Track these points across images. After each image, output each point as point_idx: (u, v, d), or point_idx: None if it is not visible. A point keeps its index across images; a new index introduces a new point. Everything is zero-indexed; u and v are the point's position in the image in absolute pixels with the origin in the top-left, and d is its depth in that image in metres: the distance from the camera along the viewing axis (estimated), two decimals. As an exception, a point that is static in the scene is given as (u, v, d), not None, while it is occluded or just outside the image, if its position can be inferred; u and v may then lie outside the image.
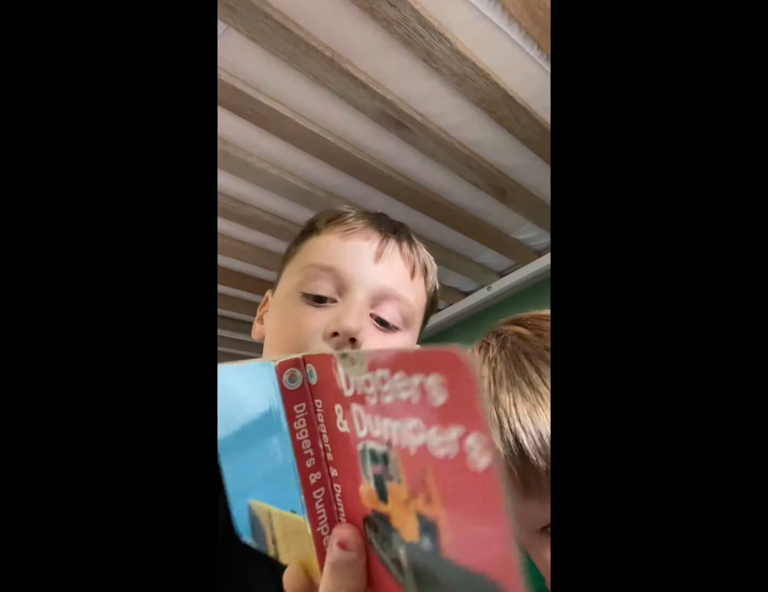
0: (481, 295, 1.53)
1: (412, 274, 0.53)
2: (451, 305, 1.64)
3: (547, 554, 0.37)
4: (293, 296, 0.50)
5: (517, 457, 0.35)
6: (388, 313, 0.50)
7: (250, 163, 0.98)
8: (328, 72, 0.79)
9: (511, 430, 0.36)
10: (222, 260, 1.31)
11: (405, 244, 0.54)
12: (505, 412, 0.36)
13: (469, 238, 1.29)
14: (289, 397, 0.24)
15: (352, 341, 0.46)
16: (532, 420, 0.35)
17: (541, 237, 1.32)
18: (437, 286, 0.59)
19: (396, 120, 0.89)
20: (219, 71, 0.79)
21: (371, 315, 0.49)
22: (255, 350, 1.89)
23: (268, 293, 0.62)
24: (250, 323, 1.68)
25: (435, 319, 1.70)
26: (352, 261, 0.50)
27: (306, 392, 0.24)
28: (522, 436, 0.35)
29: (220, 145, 0.93)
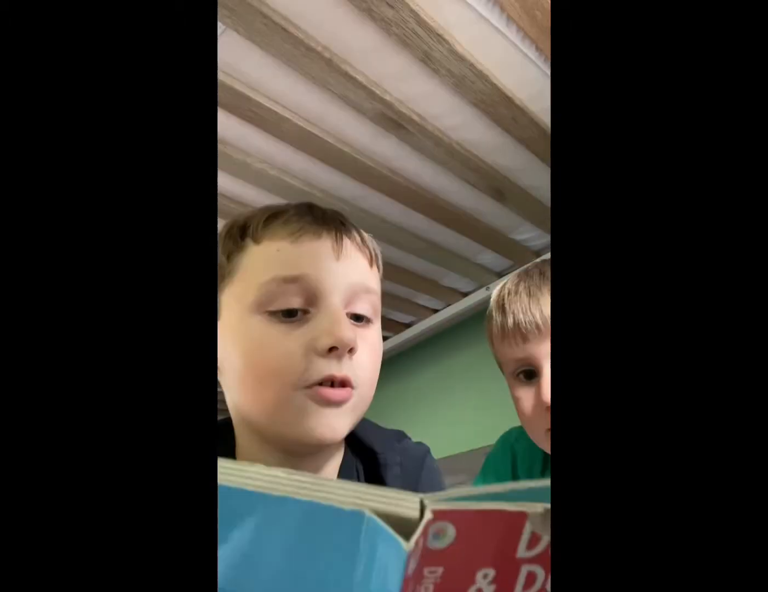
0: (479, 295, 1.54)
1: (371, 262, 0.51)
2: (449, 305, 1.65)
3: (521, 400, 0.57)
4: (256, 318, 0.45)
5: (498, 310, 0.60)
6: (361, 308, 0.48)
7: (249, 163, 0.98)
8: (327, 73, 0.79)
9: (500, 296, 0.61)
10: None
11: (354, 235, 0.50)
12: (510, 290, 0.60)
13: (468, 238, 1.29)
14: (426, 556, 0.20)
15: (350, 351, 0.44)
16: (522, 294, 0.57)
17: (540, 237, 1.33)
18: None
19: (394, 121, 0.89)
20: (218, 72, 0.79)
21: (347, 315, 0.46)
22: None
23: None
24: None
25: (435, 318, 1.70)
26: (315, 266, 0.46)
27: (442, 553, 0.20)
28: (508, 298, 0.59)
29: (218, 146, 0.93)
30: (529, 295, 0.56)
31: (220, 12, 0.67)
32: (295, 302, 0.45)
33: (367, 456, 0.53)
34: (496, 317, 0.60)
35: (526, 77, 0.83)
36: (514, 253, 1.38)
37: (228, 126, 0.90)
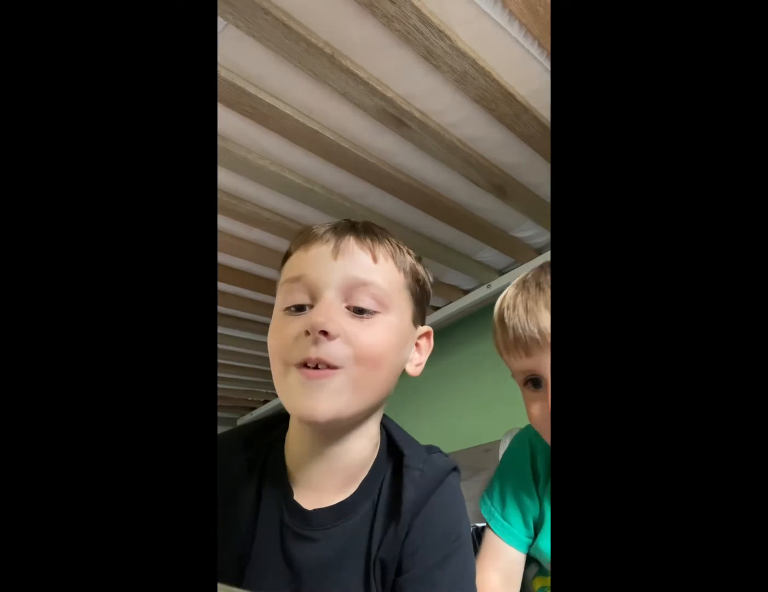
0: (480, 292, 1.54)
1: (374, 259, 0.55)
2: (450, 302, 1.65)
3: (531, 407, 0.59)
4: (279, 315, 0.55)
5: (500, 324, 0.61)
6: (361, 300, 0.53)
7: (250, 159, 0.97)
8: (328, 69, 0.78)
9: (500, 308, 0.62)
10: (221, 257, 1.31)
11: (362, 236, 0.56)
12: (509, 305, 0.61)
13: (469, 235, 1.29)
14: None
15: (325, 333, 0.49)
16: (520, 308, 0.59)
17: (541, 235, 1.32)
18: (414, 265, 0.61)
19: (396, 117, 0.89)
20: (219, 68, 0.79)
21: (348, 308, 0.52)
22: (255, 347, 1.89)
23: None
24: (250, 320, 1.69)
25: (437, 316, 1.70)
26: (315, 266, 0.53)
27: None
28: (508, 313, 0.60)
29: (219, 142, 0.93)
30: (527, 310, 0.59)
31: (222, 8, 0.67)
32: (301, 299, 0.53)
33: (396, 457, 0.59)
34: (498, 330, 0.63)
35: (529, 74, 0.83)
36: (516, 251, 1.38)
37: (229, 122, 0.90)
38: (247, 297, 1.52)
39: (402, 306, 0.57)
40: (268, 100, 0.85)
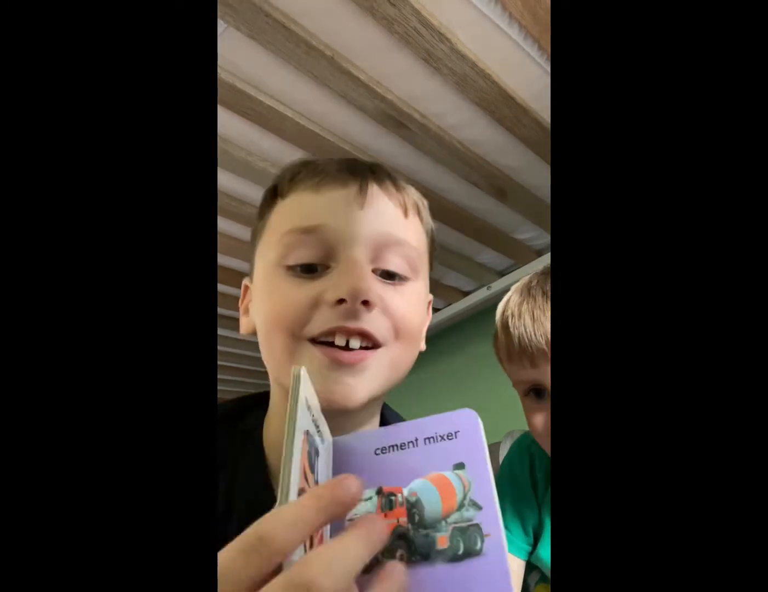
0: (480, 294, 1.54)
1: (405, 212, 0.45)
2: (450, 304, 1.65)
3: (533, 419, 0.57)
4: (275, 273, 0.42)
5: (504, 332, 0.58)
6: (392, 263, 0.42)
7: (250, 162, 0.98)
8: (329, 71, 0.79)
9: (503, 315, 0.60)
10: (221, 259, 1.31)
11: (388, 183, 0.45)
12: (513, 312, 0.58)
13: (469, 237, 1.29)
14: None
15: (365, 303, 0.39)
16: (526, 317, 0.56)
17: (541, 237, 1.32)
18: (433, 226, 0.51)
19: (396, 119, 0.89)
20: (219, 70, 0.79)
21: (374, 271, 0.42)
22: (256, 349, 1.88)
23: (245, 282, 0.53)
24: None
25: (437, 317, 1.70)
26: (335, 214, 0.41)
27: None
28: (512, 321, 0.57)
29: (220, 144, 0.93)
30: (533, 318, 0.55)
31: (223, 10, 0.67)
32: (313, 256, 0.41)
33: None
34: (502, 337, 0.59)
35: (528, 76, 0.83)
36: (516, 253, 1.38)
37: (229, 124, 0.90)
38: (247, 299, 1.52)
39: (426, 272, 0.48)
40: (269, 102, 0.85)
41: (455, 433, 0.30)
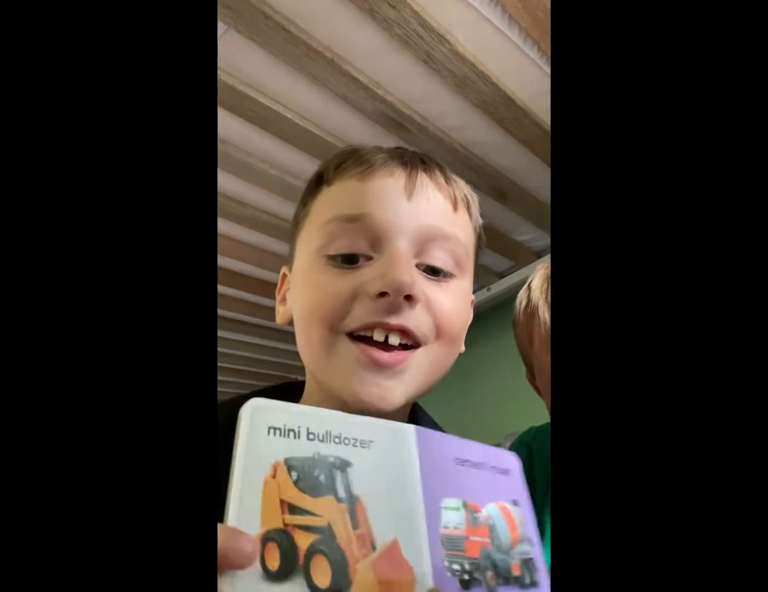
0: (480, 296, 1.54)
1: (455, 206, 0.43)
2: (450, 305, 1.64)
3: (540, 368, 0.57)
4: (316, 262, 0.41)
5: (528, 319, 0.59)
6: (438, 258, 0.41)
7: (250, 163, 0.98)
8: (328, 73, 0.79)
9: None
10: (221, 261, 1.32)
11: (438, 174, 0.43)
12: (538, 297, 0.58)
13: (469, 239, 1.29)
14: None
15: (408, 298, 0.37)
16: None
17: (541, 238, 1.33)
18: (481, 222, 0.49)
19: (396, 121, 0.89)
20: (219, 72, 0.79)
21: (418, 266, 0.40)
22: (257, 351, 1.88)
23: (284, 270, 0.51)
24: (250, 324, 1.69)
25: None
26: (382, 204, 0.40)
27: None
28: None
29: (219, 146, 0.93)
30: None
31: (222, 12, 0.67)
32: (356, 246, 0.39)
33: None
34: (525, 326, 0.57)
35: (528, 78, 0.83)
36: (516, 254, 1.38)
37: (229, 125, 0.90)
38: (247, 300, 1.52)
39: (471, 270, 0.47)
40: (269, 104, 0.85)
41: (507, 470, 0.32)
